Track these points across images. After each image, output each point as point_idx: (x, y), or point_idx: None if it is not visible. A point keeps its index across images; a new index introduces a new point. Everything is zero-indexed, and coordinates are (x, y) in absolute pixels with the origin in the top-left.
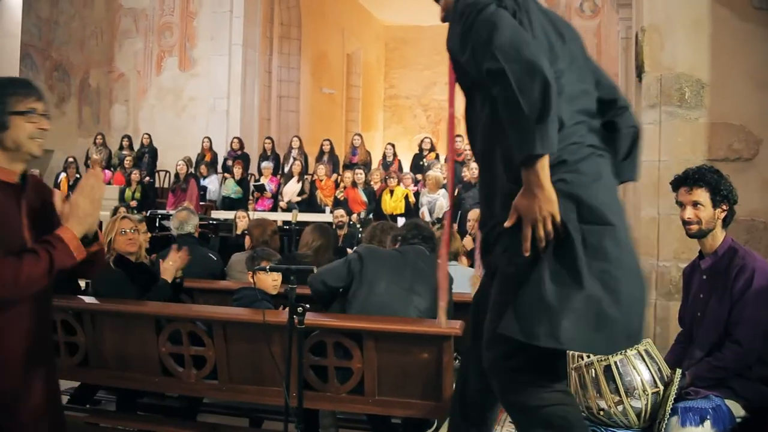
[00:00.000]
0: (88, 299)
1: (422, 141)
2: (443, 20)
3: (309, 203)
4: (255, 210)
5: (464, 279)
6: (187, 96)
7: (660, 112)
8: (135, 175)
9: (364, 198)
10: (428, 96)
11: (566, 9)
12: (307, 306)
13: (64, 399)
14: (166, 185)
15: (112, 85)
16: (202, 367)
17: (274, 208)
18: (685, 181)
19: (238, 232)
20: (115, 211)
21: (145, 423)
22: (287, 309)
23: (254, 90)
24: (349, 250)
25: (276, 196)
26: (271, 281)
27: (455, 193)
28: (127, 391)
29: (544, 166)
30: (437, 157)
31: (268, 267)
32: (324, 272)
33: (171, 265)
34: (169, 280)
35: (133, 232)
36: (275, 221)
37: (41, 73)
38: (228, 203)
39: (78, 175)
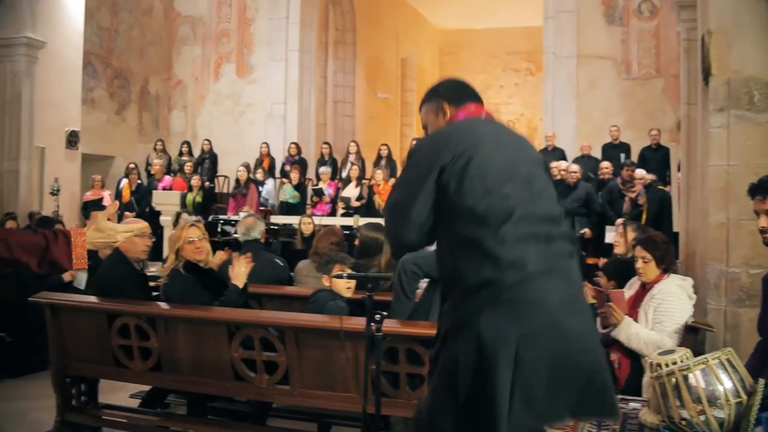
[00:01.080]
0: (162, 305)
1: None
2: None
3: (367, 208)
4: (313, 215)
5: None
6: (245, 102)
7: (728, 116)
8: (196, 181)
9: None
10: (483, 99)
11: (624, 11)
12: (385, 313)
13: (135, 402)
14: (224, 190)
15: (170, 92)
16: (274, 372)
17: (332, 213)
18: (759, 189)
19: (303, 237)
20: (178, 216)
21: (215, 427)
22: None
23: (310, 95)
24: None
25: (334, 200)
26: (344, 285)
27: None
28: (198, 395)
29: None
30: None
31: (345, 274)
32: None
33: (242, 271)
34: (240, 286)
35: (201, 240)
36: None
37: (102, 81)
38: (286, 208)
39: (140, 181)
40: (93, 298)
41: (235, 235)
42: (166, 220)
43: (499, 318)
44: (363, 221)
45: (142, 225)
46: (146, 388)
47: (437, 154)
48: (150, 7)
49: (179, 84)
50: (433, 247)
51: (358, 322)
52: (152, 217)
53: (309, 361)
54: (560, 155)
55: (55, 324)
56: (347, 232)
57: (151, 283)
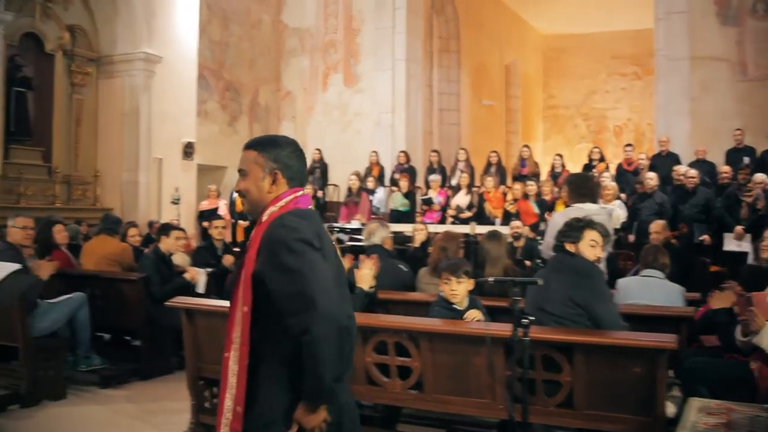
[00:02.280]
0: None
1: (591, 151)
2: None
3: (477, 215)
4: (423, 222)
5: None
6: (353, 111)
7: None
8: (308, 190)
9: (537, 209)
10: (588, 105)
11: (738, 10)
12: (533, 318)
13: None
14: (334, 199)
15: (279, 103)
16: (407, 377)
17: (442, 221)
18: None
19: (416, 244)
20: None
21: None
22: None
23: (417, 104)
24: (527, 262)
25: (444, 208)
26: (449, 291)
27: (630, 204)
28: None
29: None
30: (607, 167)
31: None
32: None
33: (367, 273)
34: (366, 288)
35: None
36: (460, 234)
37: (215, 93)
38: (395, 216)
39: None
40: (227, 303)
41: (350, 243)
42: None
43: None
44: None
45: None
46: None
47: None
48: (258, 21)
49: (288, 95)
50: None
51: (503, 328)
52: None
53: (443, 366)
54: (675, 160)
55: (190, 328)
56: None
57: None
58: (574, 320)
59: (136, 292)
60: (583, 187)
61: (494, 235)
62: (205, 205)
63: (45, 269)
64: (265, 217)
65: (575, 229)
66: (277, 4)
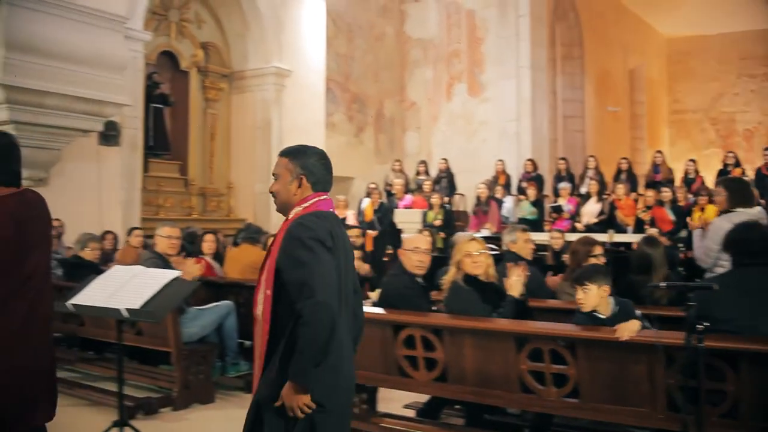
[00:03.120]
0: (449, 317)
1: (726, 156)
2: None
3: (608, 223)
4: (551, 230)
5: None
6: (478, 120)
7: None
8: (436, 199)
9: (672, 216)
10: (716, 109)
11: None
12: (707, 324)
13: (410, 413)
14: (461, 208)
15: (404, 114)
16: (562, 385)
17: (572, 230)
18: None
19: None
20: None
21: None
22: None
23: (543, 111)
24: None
25: (574, 216)
26: (578, 299)
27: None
28: (476, 407)
29: None
30: (743, 172)
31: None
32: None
33: (517, 280)
34: (516, 296)
35: (480, 254)
36: (599, 240)
37: (341, 105)
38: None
39: (381, 201)
40: (379, 310)
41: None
42: (407, 237)
43: None
44: (619, 238)
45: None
46: (421, 398)
47: None
48: (382, 33)
49: (412, 105)
50: None
51: (675, 336)
52: (393, 235)
53: (600, 374)
54: None
55: None
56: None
57: None
58: None
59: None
60: (745, 191)
61: (653, 241)
62: None
63: (191, 270)
64: (290, 216)
65: None
66: (400, 16)
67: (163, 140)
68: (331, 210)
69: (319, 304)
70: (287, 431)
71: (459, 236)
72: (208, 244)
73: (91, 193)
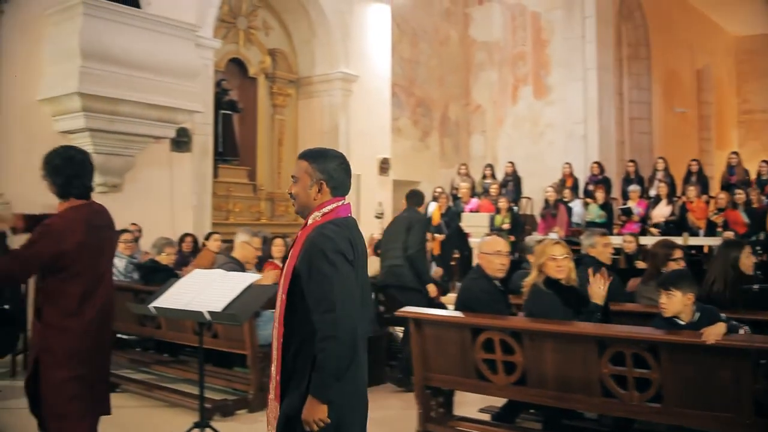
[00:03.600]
0: (529, 320)
1: None
2: None
3: (679, 226)
4: (621, 234)
5: None
6: (544, 123)
7: None
8: (503, 203)
9: (746, 219)
10: None
11: None
12: None
13: (485, 417)
14: (527, 211)
15: (469, 117)
16: (644, 389)
17: (642, 233)
18: None
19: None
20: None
21: None
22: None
23: (610, 113)
24: None
25: (644, 219)
26: (660, 304)
27: None
28: (554, 411)
29: None
30: None
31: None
32: None
33: (600, 289)
34: (600, 303)
35: (564, 258)
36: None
37: (406, 110)
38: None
39: (450, 204)
40: (457, 313)
41: None
42: (475, 241)
43: None
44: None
45: (499, 244)
46: (495, 402)
47: None
48: (446, 37)
49: (478, 109)
50: None
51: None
52: (459, 238)
53: (684, 378)
54: None
55: (418, 337)
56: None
57: None
58: None
59: None
60: None
61: (737, 244)
62: None
63: (269, 274)
64: (310, 221)
65: None
66: (464, 20)
67: (232, 146)
68: (350, 215)
69: (339, 320)
70: None
71: (536, 239)
72: (277, 248)
73: (163, 199)
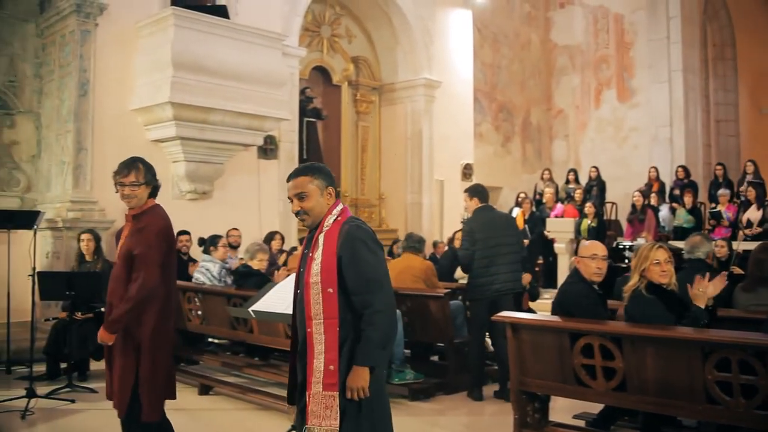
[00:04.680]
0: (630, 325)
1: None
2: None
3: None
4: (715, 239)
5: None
6: (628, 126)
7: None
8: (590, 208)
9: None
10: None
11: None
12: None
13: (580, 423)
14: (612, 216)
15: (551, 122)
16: (752, 396)
17: (732, 237)
18: None
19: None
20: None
21: None
22: None
23: (696, 116)
24: None
25: (735, 224)
26: None
27: None
28: (652, 418)
29: None
30: None
31: None
32: None
33: (701, 292)
34: (702, 306)
35: (667, 262)
36: None
37: (488, 115)
38: (680, 233)
39: (533, 209)
40: (555, 318)
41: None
42: (560, 247)
43: None
44: None
45: (595, 248)
46: (590, 408)
47: None
48: (528, 41)
49: (560, 113)
50: None
51: None
52: (544, 244)
53: None
54: None
55: (515, 341)
56: None
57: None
58: None
59: (443, 308)
60: None
61: None
62: None
63: None
64: (327, 223)
65: None
66: (545, 24)
67: (316, 153)
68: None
69: (386, 297)
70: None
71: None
72: None
73: (251, 205)
